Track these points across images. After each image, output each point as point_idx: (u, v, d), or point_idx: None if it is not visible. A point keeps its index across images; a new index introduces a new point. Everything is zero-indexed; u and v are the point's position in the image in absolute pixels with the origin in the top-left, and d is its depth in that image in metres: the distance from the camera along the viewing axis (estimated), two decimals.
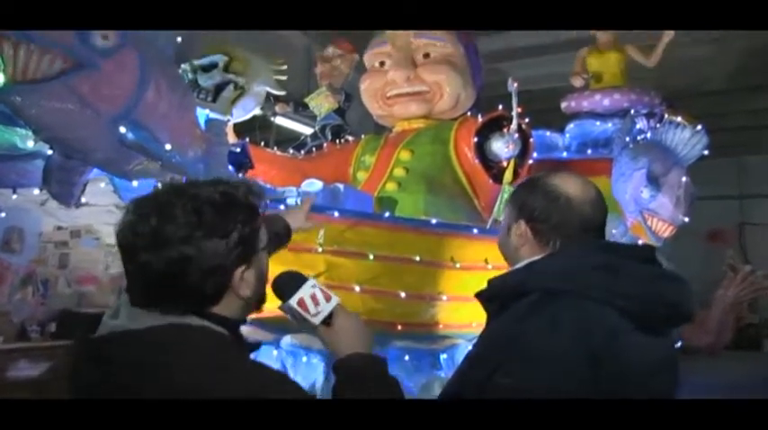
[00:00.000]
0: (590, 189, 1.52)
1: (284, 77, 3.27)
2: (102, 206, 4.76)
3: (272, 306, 1.39)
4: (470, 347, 1.51)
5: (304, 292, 1.36)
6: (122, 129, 1.98)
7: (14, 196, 2.71)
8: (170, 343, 1.13)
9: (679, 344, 3.20)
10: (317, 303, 1.36)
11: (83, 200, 2.51)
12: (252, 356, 1.32)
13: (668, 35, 4.60)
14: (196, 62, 3.10)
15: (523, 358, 1.28)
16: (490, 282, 1.50)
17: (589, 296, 1.33)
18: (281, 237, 1.97)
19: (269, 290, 1.36)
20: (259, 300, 1.31)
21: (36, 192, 2.54)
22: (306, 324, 1.36)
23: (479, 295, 1.51)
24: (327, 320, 1.36)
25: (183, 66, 3.04)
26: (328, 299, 1.37)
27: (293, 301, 1.36)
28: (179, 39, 2.51)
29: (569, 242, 1.45)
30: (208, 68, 3.08)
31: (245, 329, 1.35)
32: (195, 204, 1.17)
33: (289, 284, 1.38)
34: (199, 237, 1.15)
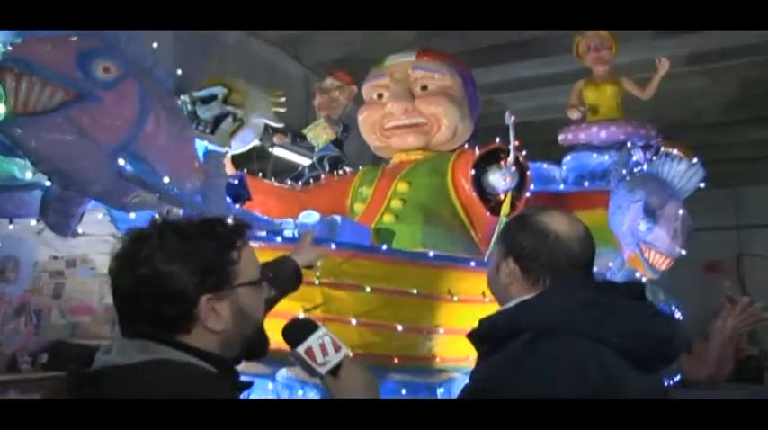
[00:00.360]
0: (578, 226, 1.54)
1: (283, 109, 3.29)
2: (98, 236, 4.72)
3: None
4: (467, 382, 1.51)
5: (313, 341, 1.37)
6: (121, 162, 1.99)
7: (11, 226, 2.71)
8: (153, 380, 1.13)
9: (678, 377, 3.21)
10: (325, 353, 1.36)
11: (79, 229, 2.50)
12: (244, 394, 1.31)
13: (663, 68, 4.65)
14: (195, 94, 3.12)
15: (522, 397, 1.27)
16: (482, 322, 1.50)
17: (582, 334, 1.34)
18: (288, 279, 1.98)
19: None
20: (250, 344, 1.31)
21: (33, 222, 2.54)
22: (312, 373, 1.35)
23: (471, 335, 1.51)
24: (335, 370, 1.35)
25: (182, 97, 3.06)
26: (338, 349, 1.37)
27: (301, 349, 1.36)
28: (179, 71, 2.54)
29: (559, 280, 1.47)
30: (207, 100, 3.09)
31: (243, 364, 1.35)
32: (164, 231, 1.24)
33: (298, 332, 1.39)
34: (159, 260, 1.19)
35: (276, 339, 1.43)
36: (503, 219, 3.33)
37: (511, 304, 1.50)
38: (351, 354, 1.38)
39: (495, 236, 3.30)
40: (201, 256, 1.22)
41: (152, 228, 1.27)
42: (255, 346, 1.34)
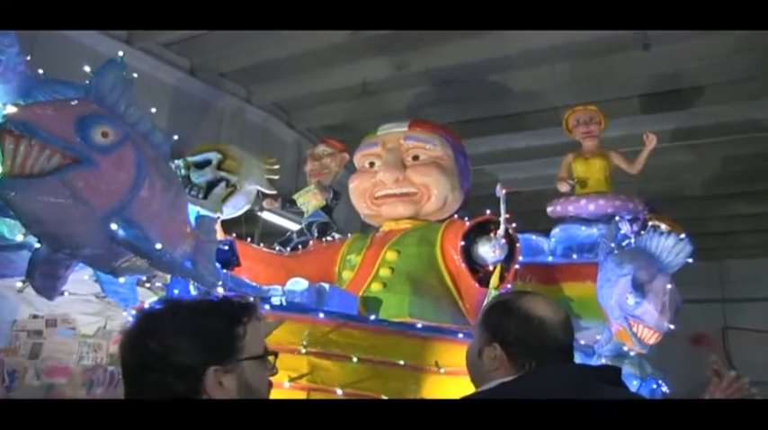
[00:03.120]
0: (560, 311, 1.57)
1: (276, 176, 3.32)
2: (81, 295, 4.69)
3: None
4: None
5: None
6: (114, 226, 1.98)
7: None
8: None
9: None
10: None
11: (63, 289, 2.47)
12: None
13: (651, 143, 4.76)
14: (190, 158, 3.15)
15: None
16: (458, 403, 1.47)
17: None
18: None
19: None
20: None
21: (18, 284, 2.51)
22: None
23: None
24: None
25: (176, 161, 3.08)
26: None
27: None
28: (176, 136, 2.57)
29: (541, 365, 1.47)
30: (201, 165, 3.12)
31: None
32: (174, 308, 1.31)
33: None
34: (168, 334, 1.24)
35: None
36: (491, 291, 3.33)
37: (491, 385, 1.48)
38: None
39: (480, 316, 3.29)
40: (209, 331, 1.27)
41: (164, 305, 1.34)
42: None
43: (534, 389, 1.40)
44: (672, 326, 3.73)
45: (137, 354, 1.25)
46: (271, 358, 1.38)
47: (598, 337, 3.91)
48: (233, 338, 1.29)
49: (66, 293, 2.51)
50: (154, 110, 2.48)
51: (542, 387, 1.40)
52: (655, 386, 4.22)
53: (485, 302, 3.30)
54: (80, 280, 2.66)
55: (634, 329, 3.68)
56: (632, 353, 3.97)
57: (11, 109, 2.26)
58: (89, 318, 5.03)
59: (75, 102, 2.11)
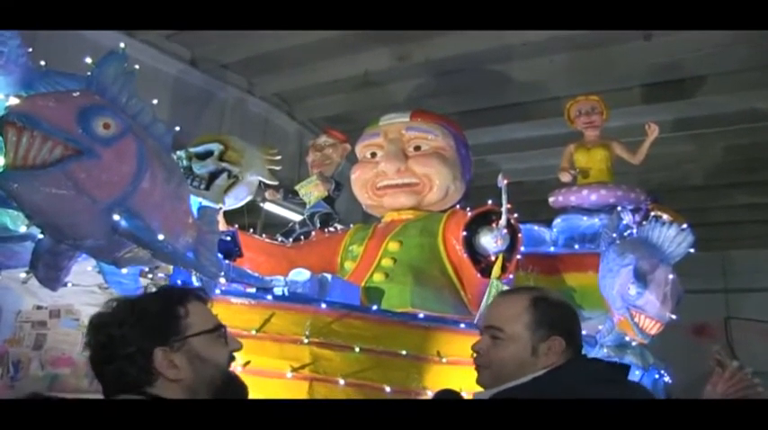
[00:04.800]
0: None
1: (278, 167, 3.32)
2: (84, 286, 4.69)
3: None
4: None
5: None
6: (116, 217, 1.98)
7: None
8: None
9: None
10: None
11: (66, 280, 2.48)
12: None
13: (654, 133, 4.75)
14: (192, 150, 3.16)
15: None
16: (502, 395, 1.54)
17: None
18: None
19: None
20: (217, 392, 1.38)
21: (22, 275, 2.51)
22: None
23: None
24: None
25: (178, 153, 3.09)
26: None
27: None
28: (177, 128, 2.56)
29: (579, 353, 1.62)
30: (203, 156, 3.13)
31: None
32: (117, 302, 1.41)
33: None
34: (112, 326, 1.34)
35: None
36: (493, 281, 3.33)
37: (537, 374, 1.54)
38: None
39: (485, 297, 3.30)
40: (148, 316, 1.35)
41: (109, 302, 1.43)
42: (225, 395, 1.40)
43: (578, 377, 1.51)
44: (674, 317, 3.73)
45: (93, 350, 1.37)
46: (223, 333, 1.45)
47: (600, 328, 3.91)
48: (174, 318, 1.37)
49: (69, 284, 2.52)
50: (155, 101, 2.48)
51: (584, 374, 1.53)
52: (657, 376, 4.23)
53: (486, 293, 3.32)
54: (83, 271, 2.67)
55: (636, 319, 3.68)
56: (634, 344, 3.98)
57: (13, 101, 2.27)
58: (92, 308, 4.95)
59: (77, 93, 2.11)
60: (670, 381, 4.34)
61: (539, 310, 1.63)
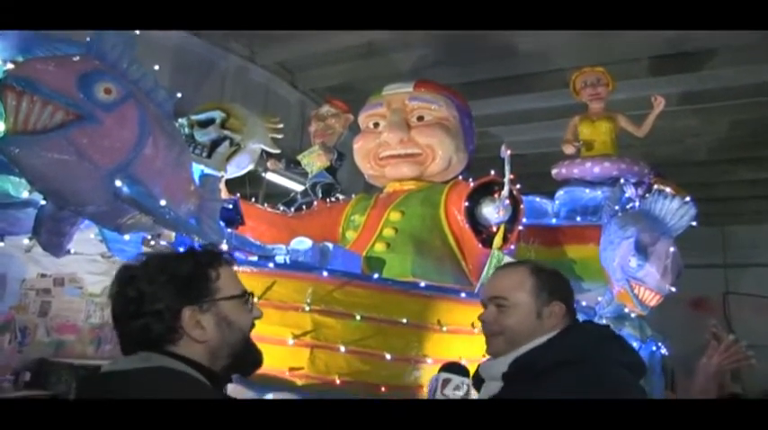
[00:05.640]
0: None
1: (280, 136, 3.30)
2: (87, 255, 4.73)
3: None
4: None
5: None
6: (118, 183, 1.98)
7: (1, 243, 2.69)
8: (153, 384, 1.25)
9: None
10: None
11: (69, 247, 2.49)
12: None
13: (659, 106, 4.72)
14: (194, 117, 3.14)
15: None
16: (519, 360, 1.60)
17: (608, 361, 1.54)
18: None
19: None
20: (237, 356, 1.40)
21: (24, 240, 2.52)
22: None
23: (507, 375, 1.61)
24: None
25: (180, 120, 3.07)
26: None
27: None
28: (179, 94, 2.55)
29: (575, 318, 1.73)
30: (205, 124, 3.11)
31: (231, 387, 1.46)
32: (148, 258, 1.40)
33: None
34: (143, 281, 1.33)
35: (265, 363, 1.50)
36: (494, 252, 3.34)
37: (551, 335, 1.63)
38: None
39: (486, 268, 3.31)
40: (181, 275, 1.34)
41: (139, 256, 1.42)
42: (244, 360, 1.43)
43: (591, 336, 1.63)
44: (673, 289, 3.75)
45: (119, 303, 1.35)
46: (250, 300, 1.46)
47: (599, 299, 3.94)
48: (206, 280, 1.37)
49: (72, 252, 2.53)
50: (156, 67, 2.46)
51: (595, 334, 1.66)
52: (654, 348, 4.27)
53: (487, 263, 3.33)
54: (86, 239, 2.68)
55: (636, 291, 3.71)
56: (633, 315, 4.01)
57: (11, 65, 2.25)
58: (96, 277, 5.08)
59: (77, 58, 2.09)
60: (667, 353, 4.37)
61: (539, 278, 1.70)
